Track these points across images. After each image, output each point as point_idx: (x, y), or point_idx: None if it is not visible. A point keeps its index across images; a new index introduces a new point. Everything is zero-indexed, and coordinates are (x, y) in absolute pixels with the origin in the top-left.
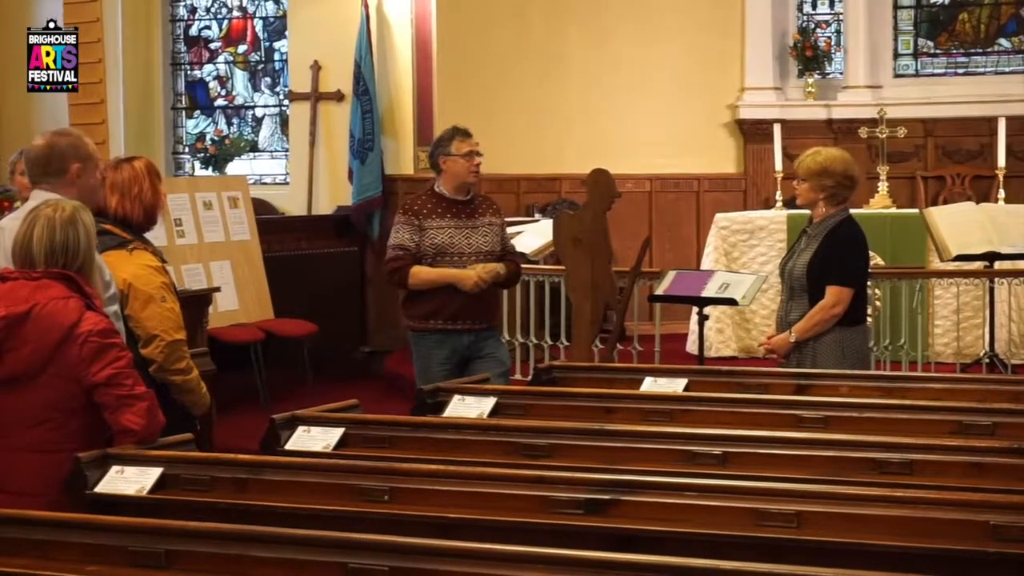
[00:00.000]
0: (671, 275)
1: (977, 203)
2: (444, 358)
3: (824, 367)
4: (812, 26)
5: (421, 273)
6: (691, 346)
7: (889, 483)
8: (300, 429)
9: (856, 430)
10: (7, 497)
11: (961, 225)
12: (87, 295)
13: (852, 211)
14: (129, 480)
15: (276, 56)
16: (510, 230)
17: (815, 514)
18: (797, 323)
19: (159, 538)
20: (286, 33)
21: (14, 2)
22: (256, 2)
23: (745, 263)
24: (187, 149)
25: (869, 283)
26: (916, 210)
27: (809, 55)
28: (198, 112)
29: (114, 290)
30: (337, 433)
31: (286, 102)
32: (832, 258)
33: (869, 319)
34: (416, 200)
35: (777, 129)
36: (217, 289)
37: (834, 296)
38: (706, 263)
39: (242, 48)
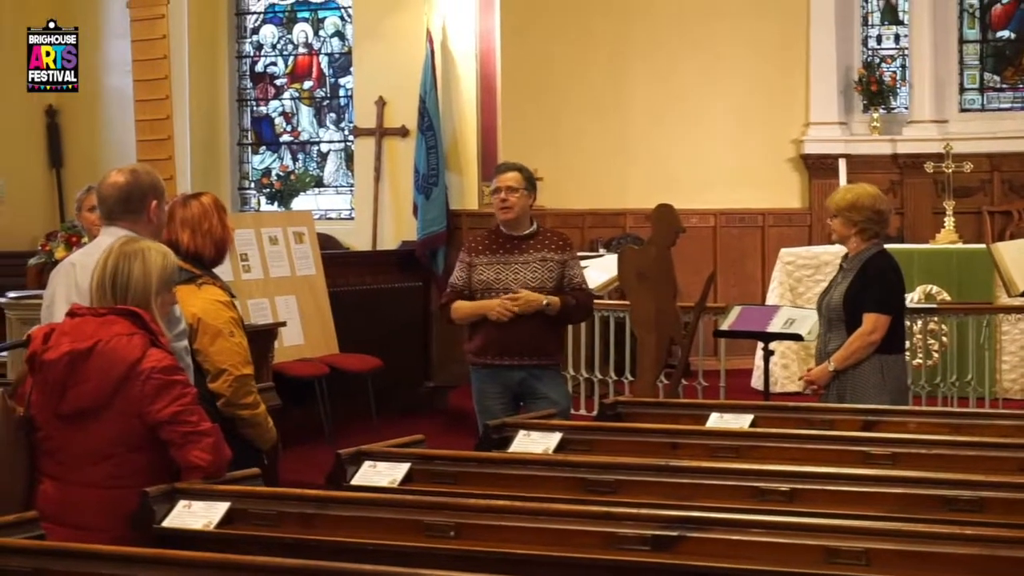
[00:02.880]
0: (736, 310)
1: None
2: (497, 393)
3: (864, 395)
4: (877, 61)
5: (460, 309)
6: (756, 381)
7: (959, 520)
8: (366, 464)
9: (925, 467)
10: (70, 531)
11: None
12: (152, 332)
13: (917, 246)
14: (196, 515)
15: (341, 92)
16: None
17: (884, 551)
18: (836, 353)
19: (226, 573)
20: (351, 69)
21: (85, 41)
22: (322, 39)
23: (810, 298)
24: (253, 184)
25: (935, 319)
26: (983, 245)
27: (874, 90)
28: (264, 148)
29: (183, 326)
30: (403, 468)
31: (351, 138)
32: (868, 287)
33: (935, 355)
34: (475, 237)
35: (842, 164)
36: (283, 324)
37: (871, 323)
38: (771, 298)
39: (307, 84)
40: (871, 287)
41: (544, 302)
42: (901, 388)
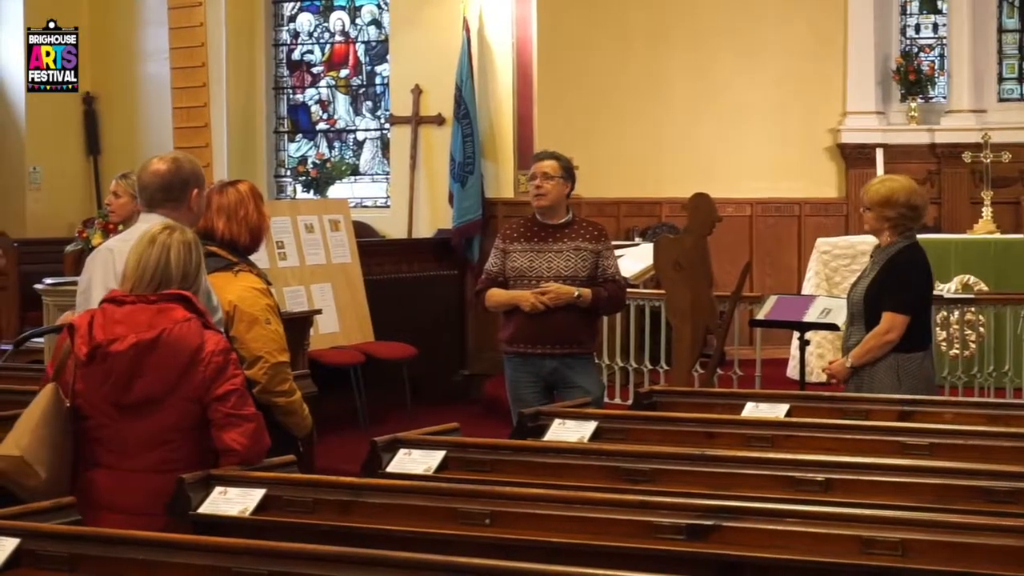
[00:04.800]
0: (772, 300)
1: None
2: (529, 381)
3: (880, 393)
4: (915, 50)
5: (494, 296)
6: (792, 371)
7: (995, 511)
8: (401, 452)
9: (961, 457)
10: (123, 518)
11: None
12: (202, 313)
13: (955, 236)
14: (232, 501)
15: (377, 80)
16: None
17: (920, 542)
18: (854, 349)
19: (262, 559)
20: (388, 57)
21: (123, 29)
22: (358, 27)
23: (846, 288)
24: (289, 172)
25: (972, 309)
26: (1021, 235)
27: (912, 79)
28: (300, 136)
29: (220, 315)
30: (438, 456)
31: (387, 126)
32: (889, 284)
33: (972, 345)
34: (511, 224)
35: (879, 154)
36: (318, 311)
37: (888, 322)
38: (807, 288)
39: (344, 72)
40: (892, 284)
41: (575, 294)
42: (919, 386)
